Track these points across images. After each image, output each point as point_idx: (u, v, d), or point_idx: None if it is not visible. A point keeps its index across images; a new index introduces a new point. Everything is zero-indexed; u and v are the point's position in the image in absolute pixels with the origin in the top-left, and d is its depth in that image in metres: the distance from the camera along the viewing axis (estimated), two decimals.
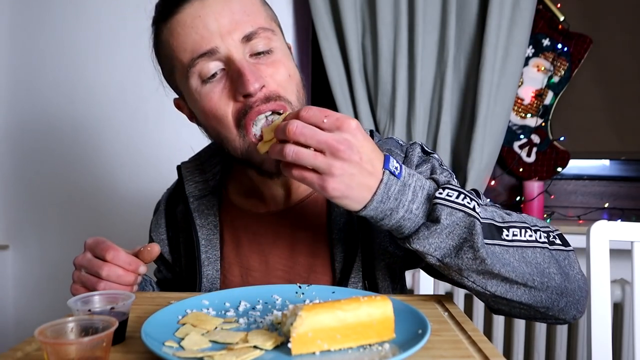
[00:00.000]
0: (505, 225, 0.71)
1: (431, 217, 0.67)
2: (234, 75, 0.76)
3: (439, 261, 0.69)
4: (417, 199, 0.67)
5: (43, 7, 1.80)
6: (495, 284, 0.70)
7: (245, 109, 0.76)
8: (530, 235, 0.72)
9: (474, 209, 0.67)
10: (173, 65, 0.81)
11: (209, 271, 0.89)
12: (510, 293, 0.70)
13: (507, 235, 0.70)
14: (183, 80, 0.80)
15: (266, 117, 0.76)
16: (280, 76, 0.78)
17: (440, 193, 0.67)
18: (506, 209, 0.78)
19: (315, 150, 0.63)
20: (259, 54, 0.78)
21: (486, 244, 0.67)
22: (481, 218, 0.68)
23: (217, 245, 0.90)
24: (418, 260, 0.87)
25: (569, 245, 0.76)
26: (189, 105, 0.84)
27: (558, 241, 0.75)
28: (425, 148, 0.91)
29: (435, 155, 0.89)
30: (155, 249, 0.76)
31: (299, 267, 0.87)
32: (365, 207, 0.66)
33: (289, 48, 0.87)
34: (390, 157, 0.67)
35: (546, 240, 0.73)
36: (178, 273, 0.99)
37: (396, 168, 0.67)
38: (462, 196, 0.67)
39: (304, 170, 0.64)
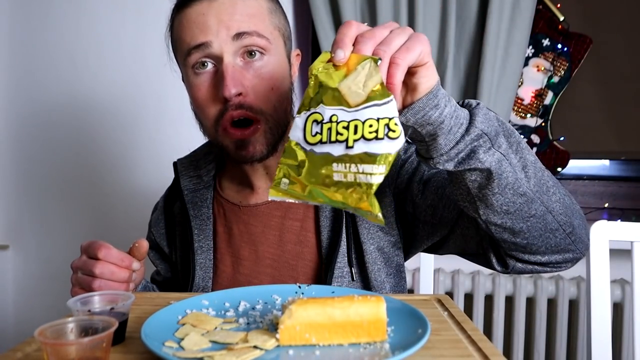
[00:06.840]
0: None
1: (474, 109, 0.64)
2: (219, 76, 0.82)
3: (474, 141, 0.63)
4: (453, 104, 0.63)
5: (43, 6, 1.80)
6: (514, 198, 0.66)
7: (223, 111, 0.83)
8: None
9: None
10: (177, 52, 0.89)
11: (202, 260, 0.93)
12: (527, 205, 0.67)
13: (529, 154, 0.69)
14: (182, 67, 0.89)
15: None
16: (262, 88, 0.83)
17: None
18: None
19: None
20: (250, 54, 0.83)
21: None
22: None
23: (210, 235, 0.94)
24: (415, 244, 0.89)
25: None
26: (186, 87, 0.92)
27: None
28: None
29: None
30: (144, 244, 0.79)
31: (287, 255, 0.90)
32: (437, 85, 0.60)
33: (297, 55, 0.93)
34: None
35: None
36: (175, 267, 1.02)
37: None
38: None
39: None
